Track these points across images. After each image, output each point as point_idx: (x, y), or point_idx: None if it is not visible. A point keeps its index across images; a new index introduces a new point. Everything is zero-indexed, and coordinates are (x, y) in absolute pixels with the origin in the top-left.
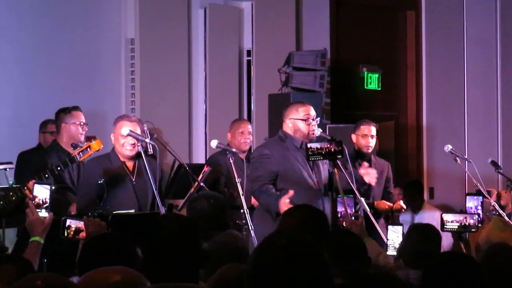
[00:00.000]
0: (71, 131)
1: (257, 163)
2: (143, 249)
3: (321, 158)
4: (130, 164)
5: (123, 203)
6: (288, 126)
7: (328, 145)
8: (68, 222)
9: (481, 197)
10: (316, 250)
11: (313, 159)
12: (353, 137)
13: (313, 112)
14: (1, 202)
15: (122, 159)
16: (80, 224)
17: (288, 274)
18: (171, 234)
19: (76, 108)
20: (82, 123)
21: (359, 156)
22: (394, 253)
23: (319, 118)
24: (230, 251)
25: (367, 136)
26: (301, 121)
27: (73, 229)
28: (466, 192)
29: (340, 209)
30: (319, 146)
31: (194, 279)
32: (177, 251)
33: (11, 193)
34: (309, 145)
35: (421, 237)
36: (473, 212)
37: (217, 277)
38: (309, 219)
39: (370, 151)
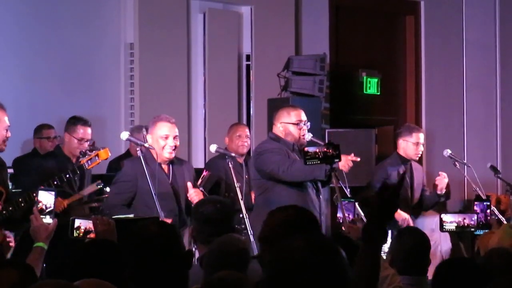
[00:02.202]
0: (70, 144)
1: (268, 153)
2: (125, 258)
3: (318, 162)
4: (165, 166)
5: (165, 205)
6: (279, 129)
7: (326, 149)
8: (78, 222)
9: (488, 203)
10: (334, 250)
11: (310, 163)
12: (403, 142)
13: (304, 117)
14: (10, 208)
15: (158, 161)
16: (90, 224)
17: (306, 276)
18: (148, 237)
19: (84, 123)
20: (82, 140)
21: (402, 161)
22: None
23: (309, 123)
24: (231, 253)
25: (420, 144)
26: (293, 125)
27: (82, 230)
28: (466, 197)
29: (339, 214)
30: (316, 150)
31: (183, 280)
32: (157, 253)
33: (20, 199)
34: (306, 149)
35: (410, 242)
36: (479, 215)
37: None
38: (297, 217)
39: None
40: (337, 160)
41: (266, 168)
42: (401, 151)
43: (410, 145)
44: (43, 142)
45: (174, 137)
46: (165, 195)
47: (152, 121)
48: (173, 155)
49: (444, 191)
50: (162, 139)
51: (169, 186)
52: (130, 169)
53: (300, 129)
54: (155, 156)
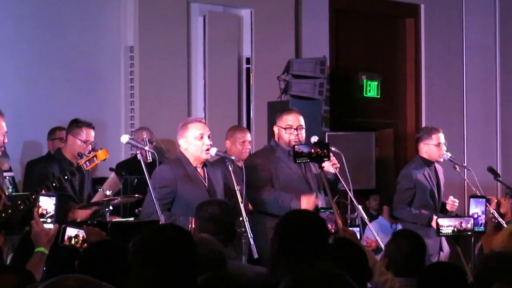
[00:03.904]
0: (74, 146)
1: (251, 171)
2: (138, 259)
3: (308, 160)
4: (200, 170)
5: None
6: (275, 132)
7: (319, 149)
8: (73, 231)
9: (484, 200)
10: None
11: (299, 161)
12: (424, 146)
13: (296, 123)
14: (9, 211)
15: (193, 164)
16: (82, 233)
17: None
18: (171, 244)
19: (88, 125)
20: (87, 142)
21: (426, 164)
22: None
23: (304, 130)
24: (205, 256)
25: (441, 144)
26: (283, 129)
27: (81, 238)
28: (466, 200)
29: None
30: (311, 150)
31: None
32: (175, 261)
33: (19, 202)
34: (296, 147)
35: (406, 244)
36: (479, 217)
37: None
38: (310, 220)
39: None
40: (326, 159)
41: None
42: (424, 155)
43: (433, 147)
44: (56, 143)
45: (208, 136)
46: (200, 198)
47: (182, 125)
48: (209, 155)
49: (454, 211)
50: (198, 140)
51: (205, 190)
52: (168, 174)
53: (290, 134)
54: (190, 159)
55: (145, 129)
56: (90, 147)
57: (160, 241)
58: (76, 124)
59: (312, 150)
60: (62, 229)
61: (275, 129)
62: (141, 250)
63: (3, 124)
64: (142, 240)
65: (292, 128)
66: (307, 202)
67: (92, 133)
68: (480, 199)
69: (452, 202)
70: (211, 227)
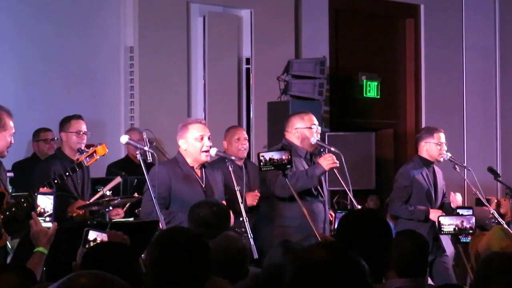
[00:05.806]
0: (69, 140)
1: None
2: (149, 261)
3: (272, 168)
4: (198, 170)
5: None
6: (294, 135)
7: (289, 155)
8: (95, 235)
9: (471, 210)
10: (358, 265)
11: (265, 169)
12: (425, 145)
13: (316, 121)
14: (13, 209)
15: (191, 164)
16: (104, 238)
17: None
18: (184, 248)
19: (74, 117)
20: (79, 132)
21: (425, 164)
22: None
23: (320, 128)
24: (229, 253)
25: (442, 144)
26: (308, 129)
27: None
28: (466, 200)
29: None
30: (282, 157)
31: None
32: (188, 265)
33: (22, 200)
34: (261, 155)
35: (408, 244)
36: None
37: None
38: (370, 221)
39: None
40: (289, 166)
41: (269, 189)
42: (424, 154)
43: (433, 146)
44: (41, 145)
45: (208, 137)
46: (196, 199)
47: (182, 125)
48: (209, 157)
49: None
50: (198, 141)
51: (201, 191)
52: (162, 173)
53: (315, 132)
54: (188, 160)
55: (137, 130)
56: (84, 137)
57: (177, 248)
58: (64, 121)
59: (283, 157)
60: (85, 232)
61: (294, 132)
62: (158, 257)
63: (11, 124)
64: (159, 247)
65: (315, 125)
66: (329, 161)
67: (82, 123)
68: (467, 210)
69: (453, 198)
70: (203, 232)
